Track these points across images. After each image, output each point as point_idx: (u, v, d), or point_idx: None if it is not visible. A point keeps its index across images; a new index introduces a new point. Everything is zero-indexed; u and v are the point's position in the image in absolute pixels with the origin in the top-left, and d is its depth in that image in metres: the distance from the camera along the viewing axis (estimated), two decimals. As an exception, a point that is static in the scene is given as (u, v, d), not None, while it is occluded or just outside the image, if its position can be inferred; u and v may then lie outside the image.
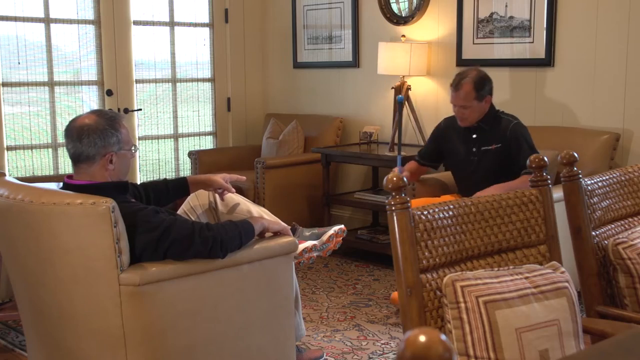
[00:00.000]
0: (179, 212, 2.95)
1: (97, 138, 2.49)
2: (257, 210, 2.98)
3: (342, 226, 3.15)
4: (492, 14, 4.75)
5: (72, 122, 2.55)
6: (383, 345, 3.48)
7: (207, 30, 6.03)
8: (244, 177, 3.17)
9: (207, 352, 2.56)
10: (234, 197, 3.00)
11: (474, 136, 3.90)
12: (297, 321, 3.03)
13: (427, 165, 4.23)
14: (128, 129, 2.65)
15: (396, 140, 4.44)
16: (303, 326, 3.13)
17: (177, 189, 2.98)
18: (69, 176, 2.58)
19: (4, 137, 5.09)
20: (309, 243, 3.02)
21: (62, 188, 2.52)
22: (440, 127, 4.12)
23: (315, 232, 3.08)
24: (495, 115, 3.87)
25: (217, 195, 2.99)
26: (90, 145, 2.48)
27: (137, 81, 5.65)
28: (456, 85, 3.82)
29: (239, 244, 2.59)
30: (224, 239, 2.51)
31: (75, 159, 2.52)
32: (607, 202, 2.26)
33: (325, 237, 3.07)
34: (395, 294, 3.83)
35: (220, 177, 2.98)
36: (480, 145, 3.87)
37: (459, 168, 4.06)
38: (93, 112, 2.59)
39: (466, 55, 4.88)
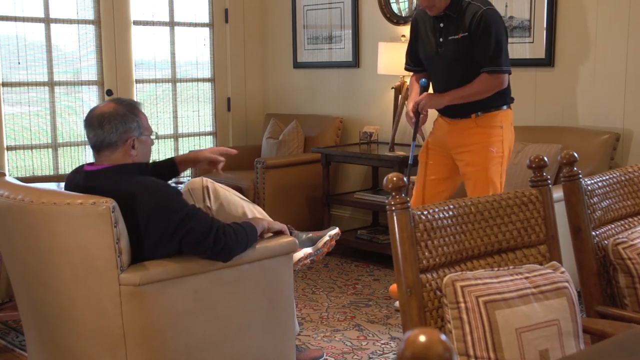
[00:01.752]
0: None
1: (119, 123, 2.50)
2: (250, 208, 2.94)
3: (337, 230, 3.12)
4: (492, 14, 4.74)
5: (91, 111, 2.57)
6: (383, 345, 3.48)
7: (207, 30, 6.03)
8: (234, 150, 3.09)
9: (206, 352, 2.56)
10: (227, 193, 2.97)
11: (441, 25, 3.51)
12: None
13: (424, 71, 3.77)
14: (147, 116, 2.67)
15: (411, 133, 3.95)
16: (296, 322, 3.11)
17: (165, 170, 2.93)
18: (89, 164, 2.58)
19: (4, 137, 5.09)
20: (303, 252, 3.00)
21: (79, 176, 2.53)
22: (416, 21, 3.69)
23: (310, 237, 3.06)
24: (463, 1, 3.45)
25: (210, 192, 2.94)
26: (112, 131, 2.50)
27: (137, 81, 5.65)
28: None
29: (243, 250, 2.59)
30: (233, 247, 2.51)
31: (98, 147, 2.53)
32: (607, 202, 2.26)
33: (320, 244, 3.06)
34: (393, 287, 3.75)
35: (207, 151, 2.97)
36: (447, 35, 3.49)
37: (429, 64, 3.67)
38: (111, 100, 2.62)
39: (466, 55, 4.87)
